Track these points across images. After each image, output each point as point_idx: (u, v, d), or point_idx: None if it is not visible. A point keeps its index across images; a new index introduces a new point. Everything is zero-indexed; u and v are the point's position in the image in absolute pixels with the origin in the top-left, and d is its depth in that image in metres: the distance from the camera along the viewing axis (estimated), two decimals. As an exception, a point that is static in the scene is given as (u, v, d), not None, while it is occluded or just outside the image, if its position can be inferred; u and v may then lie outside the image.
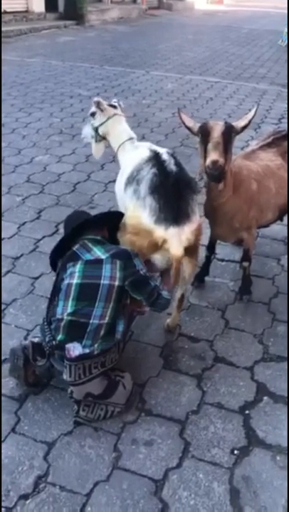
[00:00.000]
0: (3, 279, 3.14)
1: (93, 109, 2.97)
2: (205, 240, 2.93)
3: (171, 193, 2.28)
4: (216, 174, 2.33)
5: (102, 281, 2.12)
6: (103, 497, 1.90)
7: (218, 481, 1.97)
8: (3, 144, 5.32)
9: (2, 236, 3.61)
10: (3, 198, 4.19)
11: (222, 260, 3.44)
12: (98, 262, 2.17)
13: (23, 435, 2.13)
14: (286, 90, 8.15)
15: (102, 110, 2.89)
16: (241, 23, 17.12)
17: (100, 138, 3.00)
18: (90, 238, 2.29)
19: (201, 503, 1.89)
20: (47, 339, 2.17)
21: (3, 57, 9.49)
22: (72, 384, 2.10)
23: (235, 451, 2.09)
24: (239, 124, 2.39)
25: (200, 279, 3.12)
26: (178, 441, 2.12)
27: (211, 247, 3.09)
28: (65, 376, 2.09)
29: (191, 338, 2.73)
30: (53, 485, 1.93)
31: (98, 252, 2.20)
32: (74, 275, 2.17)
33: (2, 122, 5.98)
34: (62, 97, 7.19)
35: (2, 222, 3.81)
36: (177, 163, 2.41)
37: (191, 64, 10.08)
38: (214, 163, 2.27)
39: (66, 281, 2.18)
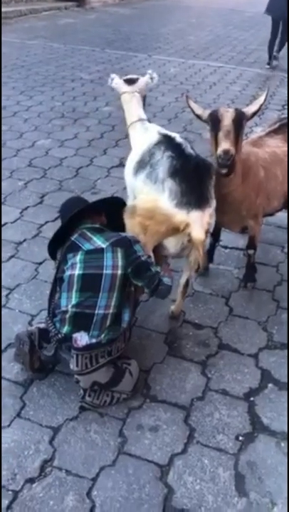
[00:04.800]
0: (6, 264, 3.13)
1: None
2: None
3: (192, 176, 2.25)
4: (228, 164, 2.29)
5: (104, 271, 2.10)
6: (109, 481, 1.91)
7: (223, 467, 1.98)
8: (4, 128, 5.26)
9: (5, 221, 3.59)
10: (5, 182, 4.15)
11: (226, 247, 3.43)
12: (99, 251, 2.14)
13: (28, 420, 2.13)
14: (290, 76, 8.07)
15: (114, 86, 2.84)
16: (245, 7, 16.80)
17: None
18: (89, 227, 2.26)
19: (206, 488, 1.90)
20: (52, 333, 2.16)
21: (3, 39, 9.34)
22: (79, 373, 2.10)
23: (240, 438, 2.10)
24: (250, 109, 2.35)
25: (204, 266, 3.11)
26: (183, 427, 2.13)
27: (215, 235, 3.06)
28: (72, 366, 2.09)
29: (195, 325, 2.73)
30: (59, 469, 1.95)
31: (98, 241, 2.18)
32: (75, 266, 2.14)
33: (3, 105, 5.91)
34: (64, 81, 7.10)
35: (5, 207, 3.79)
36: (192, 147, 2.38)
37: (194, 48, 9.94)
38: (226, 152, 2.23)
39: (68, 273, 2.16)
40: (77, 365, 2.07)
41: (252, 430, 2.14)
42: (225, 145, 2.23)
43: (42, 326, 2.28)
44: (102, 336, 2.07)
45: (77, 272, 2.13)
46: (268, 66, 8.68)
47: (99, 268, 2.11)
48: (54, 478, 1.91)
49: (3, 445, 2.02)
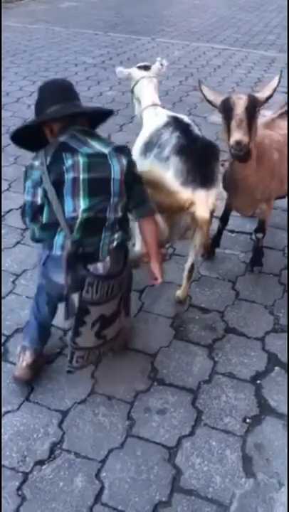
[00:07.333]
0: (12, 250, 3.14)
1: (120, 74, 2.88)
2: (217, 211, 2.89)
3: (199, 156, 2.22)
4: (241, 154, 2.25)
5: (112, 176, 1.94)
6: (118, 463, 1.93)
7: (230, 449, 2.00)
8: (8, 114, 5.23)
9: (10, 207, 3.59)
10: (10, 168, 4.14)
11: (232, 232, 3.41)
12: (101, 155, 1.94)
13: (37, 403, 2.15)
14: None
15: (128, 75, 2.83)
16: (249, -12, 16.52)
17: (136, 97, 2.89)
18: (79, 128, 2.00)
19: (214, 469, 1.92)
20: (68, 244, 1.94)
21: (4, 23, 9.24)
22: (96, 303, 1.97)
23: (248, 420, 2.11)
24: (263, 95, 2.28)
25: (210, 250, 3.10)
26: (190, 410, 2.15)
27: (224, 219, 3.05)
28: (90, 295, 1.94)
29: (201, 309, 2.73)
30: (68, 451, 1.97)
31: (97, 146, 1.96)
32: (78, 169, 1.90)
33: (6, 91, 5.87)
34: (67, 65, 7.03)
35: (10, 193, 3.78)
36: (199, 129, 2.36)
37: (198, 30, 9.78)
38: (238, 143, 2.17)
39: (70, 175, 1.90)
40: (96, 292, 1.96)
41: (259, 413, 2.15)
42: (237, 135, 2.17)
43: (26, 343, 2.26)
44: (116, 236, 2.00)
45: (82, 175, 1.91)
46: None
47: (106, 172, 1.94)
48: (63, 461, 1.94)
49: (13, 428, 2.05)
